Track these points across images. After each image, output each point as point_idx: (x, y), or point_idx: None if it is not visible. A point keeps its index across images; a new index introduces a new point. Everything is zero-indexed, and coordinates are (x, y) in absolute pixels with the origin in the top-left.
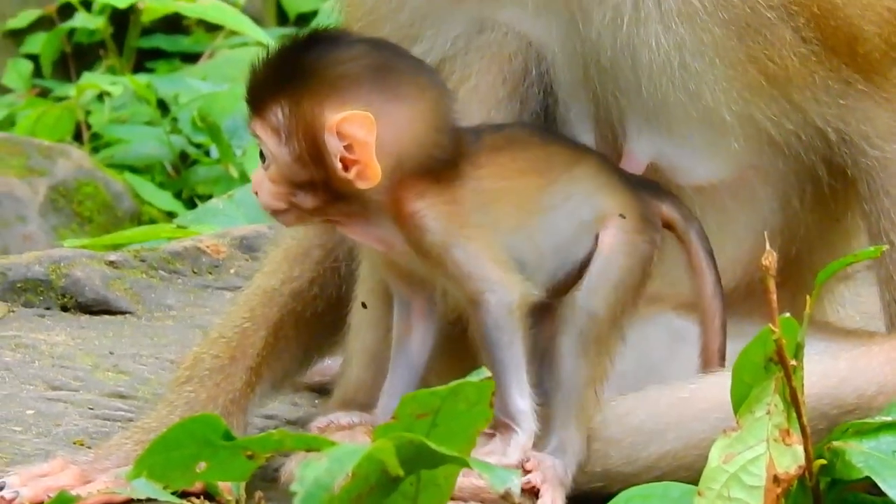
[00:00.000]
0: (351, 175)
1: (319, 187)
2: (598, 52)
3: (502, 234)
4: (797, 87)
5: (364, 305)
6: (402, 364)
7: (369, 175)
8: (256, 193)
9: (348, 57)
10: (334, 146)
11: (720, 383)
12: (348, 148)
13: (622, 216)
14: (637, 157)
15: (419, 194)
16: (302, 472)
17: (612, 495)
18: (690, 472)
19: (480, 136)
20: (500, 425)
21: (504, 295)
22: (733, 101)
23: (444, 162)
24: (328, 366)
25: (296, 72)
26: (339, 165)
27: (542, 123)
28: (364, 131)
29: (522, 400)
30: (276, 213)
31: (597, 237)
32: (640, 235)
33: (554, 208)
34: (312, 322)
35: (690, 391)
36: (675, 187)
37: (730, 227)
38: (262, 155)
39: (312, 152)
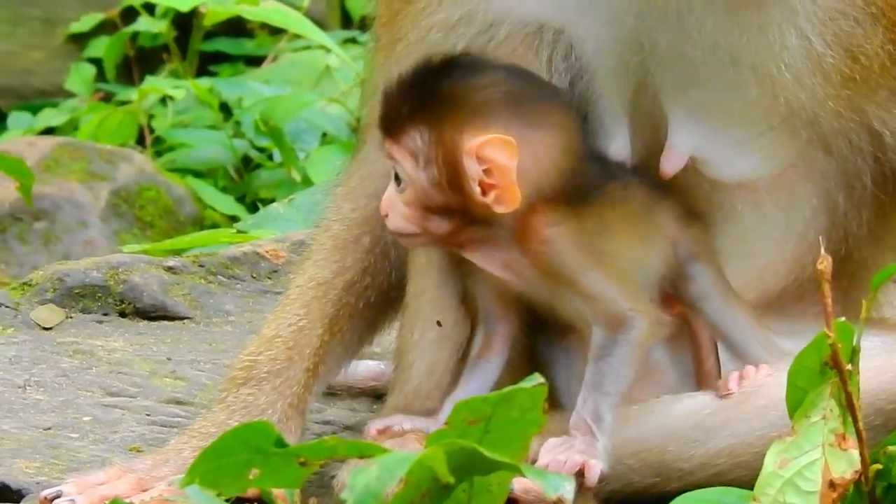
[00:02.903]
0: (489, 200)
1: (455, 212)
2: (651, 42)
3: (626, 262)
4: (865, 88)
5: (439, 324)
6: (478, 378)
7: (508, 200)
8: (386, 215)
9: (488, 83)
10: (474, 170)
11: (778, 381)
12: (487, 172)
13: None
14: (679, 151)
15: (553, 222)
16: (352, 479)
17: (666, 495)
18: (748, 472)
19: (609, 171)
20: (583, 428)
21: (646, 318)
22: (792, 95)
23: (578, 189)
24: (382, 371)
25: (435, 97)
26: (478, 190)
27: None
28: (505, 156)
29: (611, 415)
30: (404, 235)
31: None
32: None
33: (656, 244)
34: (365, 312)
35: (749, 388)
36: (714, 183)
37: (769, 226)
38: (396, 177)
39: (451, 177)
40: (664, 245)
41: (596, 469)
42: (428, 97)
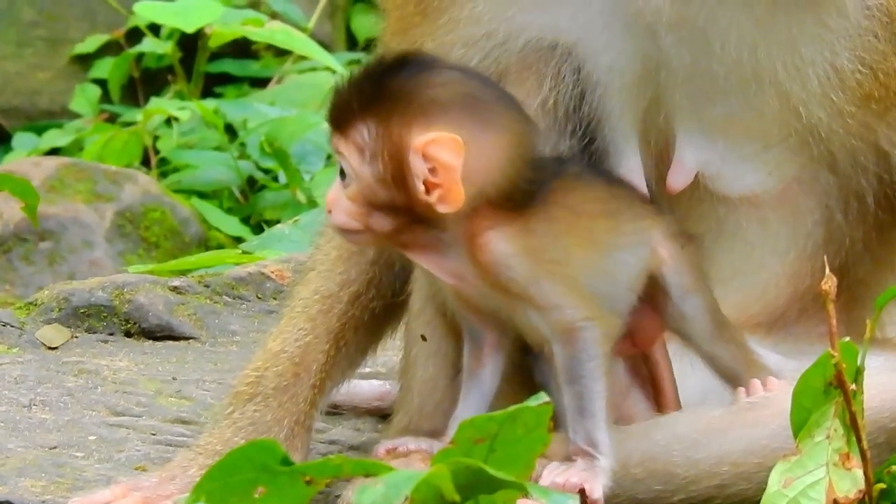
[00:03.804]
0: (432, 198)
1: (398, 210)
2: (672, 57)
3: (576, 267)
4: (881, 107)
5: (423, 338)
6: (474, 392)
7: (452, 200)
8: (330, 211)
9: (439, 82)
10: (419, 168)
11: (784, 394)
12: (432, 171)
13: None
14: (687, 166)
15: (495, 227)
16: (358, 497)
17: None
18: (751, 486)
19: (553, 170)
20: (582, 453)
21: (598, 325)
22: (812, 112)
23: (523, 193)
24: (387, 391)
25: (385, 92)
26: (422, 188)
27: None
28: (451, 155)
29: (605, 432)
30: (347, 232)
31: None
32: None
33: (623, 248)
34: (370, 324)
35: (756, 398)
36: (719, 198)
37: (772, 239)
38: (341, 172)
39: (396, 173)
40: (643, 253)
41: (597, 489)
42: (377, 92)
